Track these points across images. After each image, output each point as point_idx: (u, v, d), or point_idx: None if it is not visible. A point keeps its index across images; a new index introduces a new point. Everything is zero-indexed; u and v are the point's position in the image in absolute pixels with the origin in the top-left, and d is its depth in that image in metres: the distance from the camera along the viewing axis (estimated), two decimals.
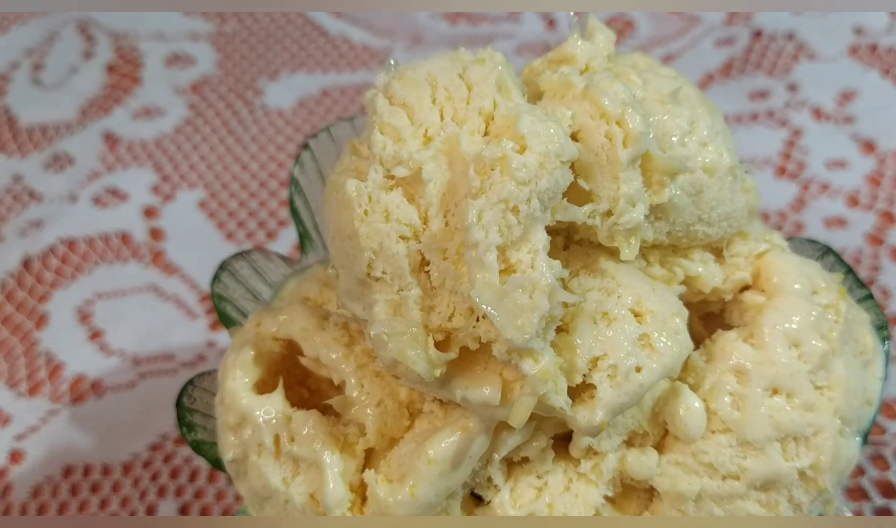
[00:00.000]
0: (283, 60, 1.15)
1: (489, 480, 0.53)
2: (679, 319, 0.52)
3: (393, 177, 0.49)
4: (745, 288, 0.57)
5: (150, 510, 0.74)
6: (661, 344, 0.49)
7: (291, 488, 0.54)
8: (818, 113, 0.98)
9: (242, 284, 0.65)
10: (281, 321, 0.58)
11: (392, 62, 0.53)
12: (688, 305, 0.56)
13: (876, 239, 0.86)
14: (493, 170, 0.45)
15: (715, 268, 0.57)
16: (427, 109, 0.50)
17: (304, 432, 0.53)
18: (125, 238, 0.95)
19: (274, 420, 0.54)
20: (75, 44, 1.18)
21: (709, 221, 0.55)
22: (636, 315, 0.50)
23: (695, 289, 0.57)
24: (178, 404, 0.58)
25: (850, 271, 0.61)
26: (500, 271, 0.45)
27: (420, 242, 0.48)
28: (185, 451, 0.77)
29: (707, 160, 0.53)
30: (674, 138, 0.53)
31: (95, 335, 0.87)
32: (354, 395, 0.53)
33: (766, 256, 0.57)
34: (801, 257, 0.58)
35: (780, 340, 0.52)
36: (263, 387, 0.57)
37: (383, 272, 0.48)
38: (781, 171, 0.93)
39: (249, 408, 0.55)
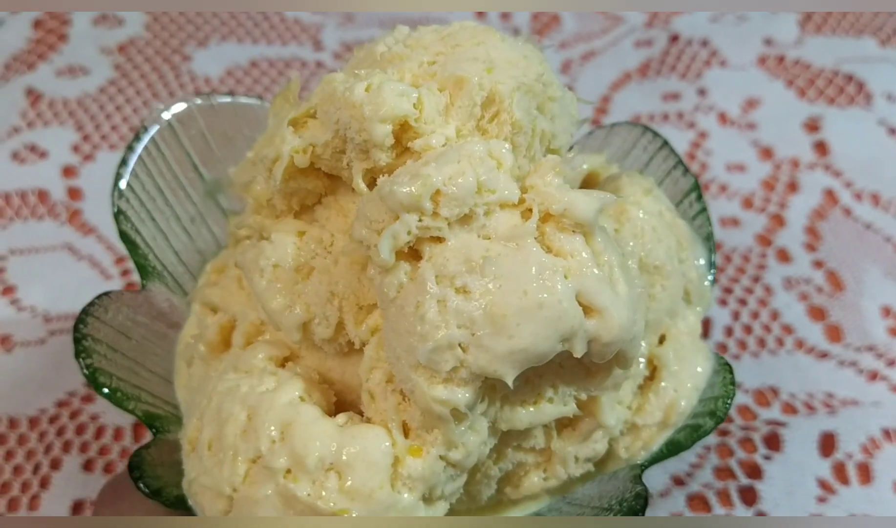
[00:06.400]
0: (213, 27, 1.16)
1: None
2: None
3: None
4: None
5: (55, 464, 0.75)
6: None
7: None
8: (723, 118, 1.04)
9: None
10: None
11: None
12: None
13: (765, 240, 0.92)
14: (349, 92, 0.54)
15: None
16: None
17: None
18: (42, 195, 0.95)
19: None
20: None
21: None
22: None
23: None
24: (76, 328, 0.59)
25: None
26: (301, 114, 0.57)
27: None
28: (92, 409, 0.78)
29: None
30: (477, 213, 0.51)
31: (7, 290, 0.87)
32: None
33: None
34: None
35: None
36: None
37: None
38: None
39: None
